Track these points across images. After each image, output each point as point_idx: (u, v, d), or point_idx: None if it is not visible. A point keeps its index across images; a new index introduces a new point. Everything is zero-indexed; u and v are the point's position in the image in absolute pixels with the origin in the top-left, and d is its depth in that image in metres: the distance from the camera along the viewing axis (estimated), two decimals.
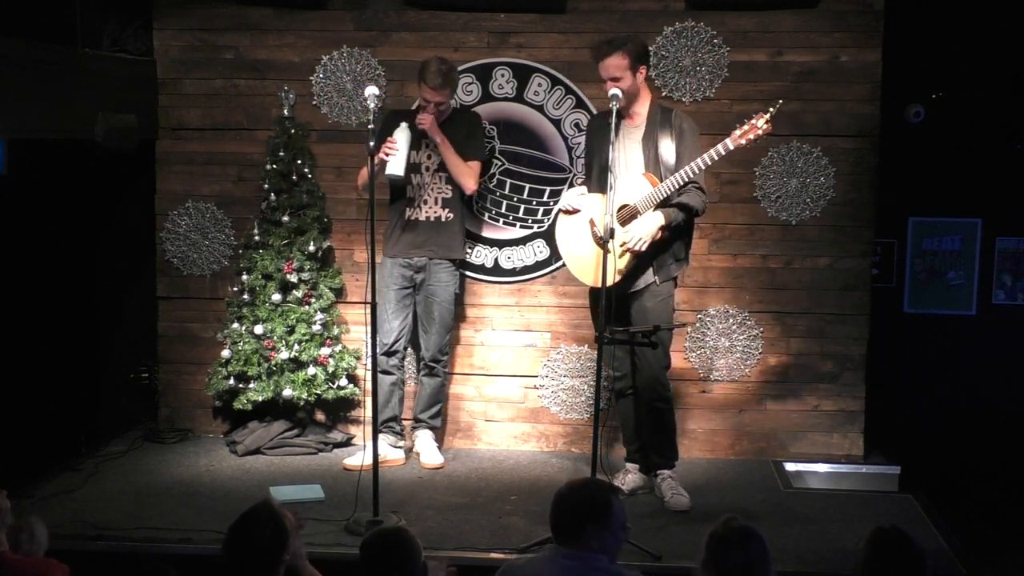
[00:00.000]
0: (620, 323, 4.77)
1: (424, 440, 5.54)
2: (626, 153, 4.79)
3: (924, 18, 5.94)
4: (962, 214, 6.29)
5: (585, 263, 4.84)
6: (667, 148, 4.72)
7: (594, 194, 4.86)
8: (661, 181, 4.67)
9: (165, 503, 4.88)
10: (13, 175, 5.01)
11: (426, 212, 5.30)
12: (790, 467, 5.60)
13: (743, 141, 4.56)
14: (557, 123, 5.69)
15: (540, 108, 5.69)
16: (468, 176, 5.29)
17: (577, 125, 5.67)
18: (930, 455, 5.97)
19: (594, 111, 5.61)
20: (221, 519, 4.47)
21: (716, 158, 4.58)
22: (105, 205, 6.20)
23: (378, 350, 5.26)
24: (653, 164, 4.73)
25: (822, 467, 5.67)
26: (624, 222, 4.71)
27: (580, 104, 5.66)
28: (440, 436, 5.76)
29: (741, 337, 5.71)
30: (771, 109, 4.58)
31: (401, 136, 5.08)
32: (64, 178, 5.79)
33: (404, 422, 5.75)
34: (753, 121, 4.55)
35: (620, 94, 4.58)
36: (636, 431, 5.08)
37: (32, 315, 5.72)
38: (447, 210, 5.31)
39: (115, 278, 6.28)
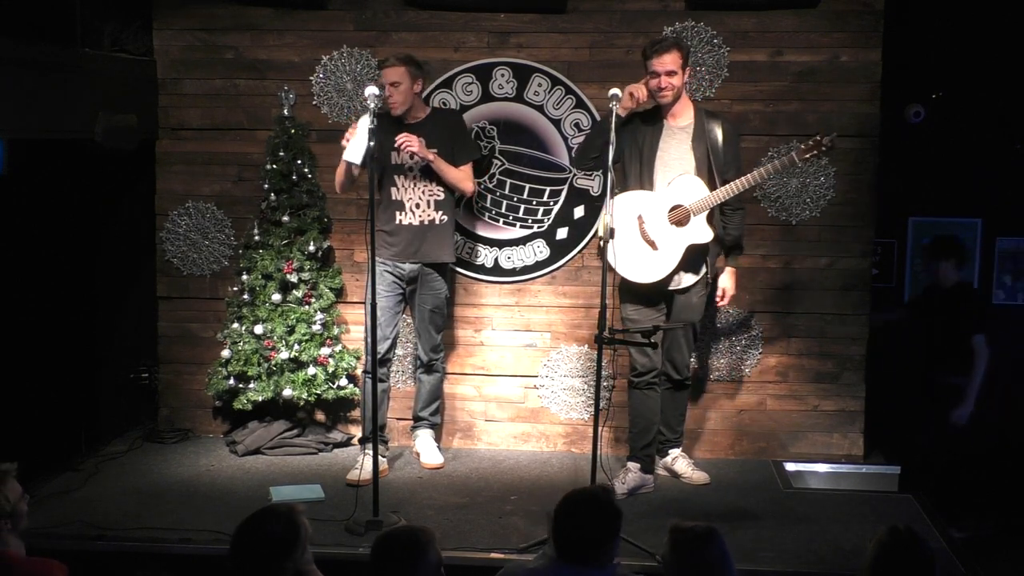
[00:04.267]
0: (666, 316, 5.01)
1: (424, 440, 5.53)
2: (674, 152, 4.89)
3: (924, 18, 5.95)
4: (962, 214, 6.29)
5: (630, 258, 4.85)
6: (719, 149, 4.87)
7: (643, 191, 4.89)
8: (713, 183, 4.82)
9: (165, 503, 4.88)
10: (13, 175, 5.01)
11: (419, 216, 5.24)
12: (790, 467, 5.60)
13: (807, 156, 4.78)
14: (557, 123, 5.69)
15: (540, 108, 5.69)
16: (465, 182, 5.30)
17: (577, 125, 5.67)
18: (930, 455, 5.96)
19: (594, 111, 5.62)
20: (221, 519, 4.49)
21: (781, 170, 4.83)
22: (105, 205, 6.20)
23: (369, 359, 5.24)
24: (705, 165, 4.86)
25: (822, 467, 5.67)
26: (676, 221, 4.83)
27: (580, 104, 5.66)
28: (439, 436, 5.76)
29: (741, 337, 5.72)
30: (835, 133, 4.81)
31: (363, 123, 4.94)
32: (64, 178, 5.79)
33: (403, 422, 5.77)
34: (818, 138, 4.75)
35: (620, 93, 4.60)
36: (646, 427, 5.09)
37: (32, 315, 5.72)
38: (440, 212, 5.27)
39: (115, 278, 6.28)
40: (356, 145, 4.97)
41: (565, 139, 5.69)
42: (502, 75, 5.70)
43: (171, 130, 5.87)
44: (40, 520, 4.53)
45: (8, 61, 4.56)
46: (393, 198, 5.24)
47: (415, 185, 5.23)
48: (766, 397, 5.75)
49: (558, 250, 5.76)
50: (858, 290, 5.67)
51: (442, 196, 5.26)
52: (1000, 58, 6.02)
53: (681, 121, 4.90)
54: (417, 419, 5.58)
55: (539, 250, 5.78)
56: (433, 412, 5.56)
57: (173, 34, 5.82)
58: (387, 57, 5.18)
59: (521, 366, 5.84)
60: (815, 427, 5.72)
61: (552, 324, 5.82)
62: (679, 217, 4.83)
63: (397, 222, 5.24)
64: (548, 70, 5.67)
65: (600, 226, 4.92)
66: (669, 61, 4.76)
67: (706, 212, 4.82)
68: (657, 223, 4.83)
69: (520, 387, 5.85)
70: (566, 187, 5.71)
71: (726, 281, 5.09)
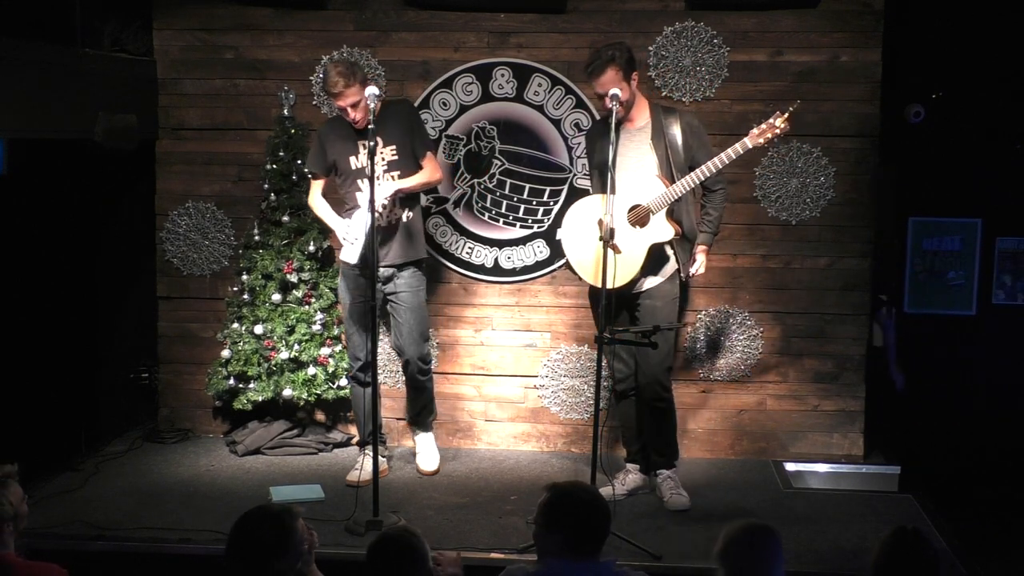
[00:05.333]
0: (628, 323, 4.82)
1: (423, 443, 5.50)
2: (633, 155, 4.77)
3: (924, 18, 5.94)
4: (962, 214, 6.28)
5: (592, 264, 4.77)
6: (678, 146, 4.74)
7: (600, 195, 4.79)
8: (673, 180, 4.68)
9: (165, 503, 4.89)
10: (13, 175, 5.01)
11: (387, 216, 5.07)
12: (790, 467, 5.60)
13: (761, 140, 4.60)
14: (557, 123, 5.69)
15: (540, 108, 5.69)
16: (433, 175, 5.15)
17: (577, 125, 5.67)
18: (930, 455, 5.97)
19: (594, 111, 5.62)
20: (221, 519, 4.49)
21: (734, 157, 4.59)
22: (105, 205, 6.21)
23: (354, 365, 5.22)
24: (665, 163, 4.73)
25: (822, 467, 5.67)
26: (636, 222, 4.71)
27: (580, 104, 5.66)
28: (439, 434, 5.74)
29: (741, 337, 5.71)
30: (790, 108, 4.61)
31: (360, 221, 4.91)
32: (64, 178, 5.79)
33: (403, 422, 5.75)
34: (771, 121, 4.58)
35: (620, 93, 4.57)
36: (637, 432, 5.08)
37: (33, 315, 5.72)
38: (406, 209, 5.12)
39: (115, 278, 6.28)
40: (355, 248, 4.91)
41: (565, 139, 5.69)
42: (502, 75, 5.70)
43: (171, 130, 5.87)
44: (40, 520, 4.53)
45: (8, 61, 4.56)
46: (359, 203, 5.03)
47: (379, 186, 4.98)
48: (766, 397, 5.75)
49: (558, 250, 5.75)
50: (858, 290, 5.67)
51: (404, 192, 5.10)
52: (1000, 58, 6.01)
53: (639, 122, 4.81)
54: (413, 422, 5.55)
55: (539, 250, 5.78)
56: (427, 414, 5.51)
57: (173, 34, 5.82)
58: (335, 81, 4.84)
59: (521, 366, 5.84)
60: (815, 427, 5.72)
61: (552, 324, 5.82)
62: (639, 217, 4.71)
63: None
64: (548, 70, 5.67)
65: (560, 231, 4.96)
66: (607, 81, 4.60)
67: (665, 209, 4.68)
68: (617, 225, 4.64)
69: (520, 387, 5.85)
70: (566, 187, 5.71)
71: (699, 257, 4.89)
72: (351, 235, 5.02)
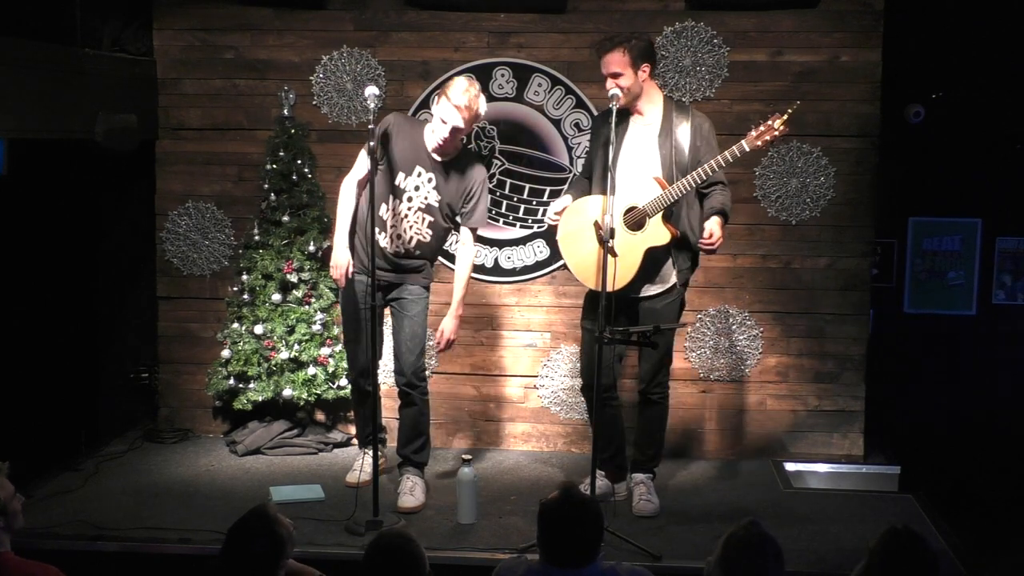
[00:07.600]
0: (628, 325, 4.69)
1: (408, 482, 4.95)
2: (638, 151, 4.67)
3: (924, 18, 5.95)
4: (962, 214, 6.30)
5: (589, 265, 4.70)
6: (683, 146, 4.62)
7: (597, 196, 4.71)
8: (672, 181, 4.57)
9: (165, 503, 4.88)
10: (13, 175, 5.01)
11: (396, 246, 4.84)
12: (790, 467, 5.60)
13: (759, 143, 4.49)
14: (557, 123, 5.69)
15: (540, 108, 5.70)
16: (470, 268, 4.96)
17: (577, 125, 5.67)
18: (930, 455, 5.97)
19: (594, 111, 5.61)
20: (221, 519, 4.48)
21: (731, 160, 4.48)
22: (105, 205, 6.21)
23: (354, 371, 5.09)
24: (668, 162, 4.61)
25: (822, 467, 5.67)
26: (632, 224, 4.61)
27: (580, 104, 5.66)
28: (439, 434, 5.74)
29: (741, 337, 5.72)
30: (789, 110, 4.52)
31: (467, 485, 4.69)
32: (64, 178, 5.80)
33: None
34: (769, 122, 4.48)
35: (620, 93, 4.53)
36: (609, 438, 4.93)
37: (33, 315, 5.73)
38: (418, 252, 4.87)
39: (115, 278, 6.28)
40: (465, 509, 4.71)
41: (565, 139, 5.69)
42: (502, 75, 5.70)
43: (171, 130, 5.87)
44: (40, 520, 4.54)
45: (8, 61, 4.56)
46: (379, 213, 4.76)
47: (405, 217, 4.80)
48: (766, 397, 5.75)
49: (558, 250, 5.74)
50: (858, 290, 5.67)
51: (427, 239, 4.85)
52: (1000, 58, 6.02)
53: (648, 117, 4.69)
54: (401, 457, 5.04)
55: (539, 250, 5.78)
56: (417, 450, 5.01)
57: (173, 34, 5.82)
58: (468, 97, 4.59)
59: (521, 366, 5.84)
60: (815, 427, 5.72)
61: (552, 324, 5.82)
62: (635, 219, 4.59)
63: (375, 240, 4.74)
64: (548, 70, 5.67)
65: (560, 231, 4.87)
66: (612, 62, 4.51)
67: (662, 212, 4.55)
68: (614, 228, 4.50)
69: (520, 387, 5.85)
70: (566, 187, 5.69)
71: (713, 225, 4.56)
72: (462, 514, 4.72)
